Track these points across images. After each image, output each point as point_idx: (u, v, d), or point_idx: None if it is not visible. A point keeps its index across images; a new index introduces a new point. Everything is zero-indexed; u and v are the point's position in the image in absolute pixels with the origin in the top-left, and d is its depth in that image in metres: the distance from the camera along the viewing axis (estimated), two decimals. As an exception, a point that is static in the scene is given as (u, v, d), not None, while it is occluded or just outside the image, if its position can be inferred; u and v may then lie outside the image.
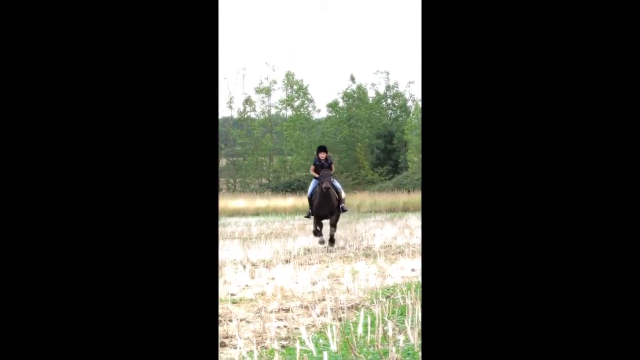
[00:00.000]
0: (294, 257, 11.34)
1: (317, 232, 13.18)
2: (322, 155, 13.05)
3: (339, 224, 14.06)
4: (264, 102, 50.55)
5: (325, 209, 12.97)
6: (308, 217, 13.90)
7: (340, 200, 13.24)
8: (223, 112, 50.20)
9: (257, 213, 32.24)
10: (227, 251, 12.28)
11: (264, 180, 48.72)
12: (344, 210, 13.40)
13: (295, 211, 31.76)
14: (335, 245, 13.31)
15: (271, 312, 5.88)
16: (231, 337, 4.84)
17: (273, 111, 50.62)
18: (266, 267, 9.61)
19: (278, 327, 5.13)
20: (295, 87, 49.46)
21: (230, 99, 50.19)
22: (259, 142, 49.00)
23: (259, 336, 4.85)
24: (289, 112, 49.94)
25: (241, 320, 5.49)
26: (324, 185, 12.74)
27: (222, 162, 49.86)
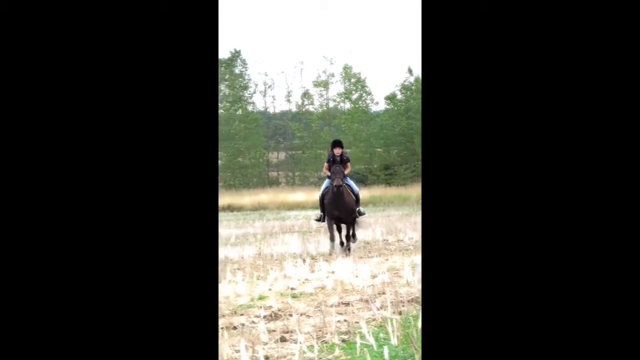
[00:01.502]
0: (354, 250, 11.33)
1: (334, 238, 11.56)
2: (337, 151, 11.47)
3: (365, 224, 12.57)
4: (322, 95, 50.55)
5: (338, 208, 11.24)
6: (319, 220, 11.89)
7: (357, 202, 11.53)
8: (281, 105, 50.42)
9: (316, 206, 32.28)
10: (287, 245, 12.35)
11: (323, 174, 48.83)
12: (360, 214, 11.63)
13: (354, 204, 31.71)
14: (395, 238, 13.05)
15: (331, 306, 5.87)
16: (291, 331, 4.85)
17: (331, 104, 50.59)
18: (326, 260, 9.62)
19: (338, 321, 5.12)
20: (353, 80, 49.36)
21: (289, 92, 50.33)
22: (317, 136, 49.04)
23: (319, 330, 4.85)
24: (347, 105, 49.86)
25: (301, 314, 5.50)
26: (335, 184, 11.00)
27: (281, 155, 50.10)
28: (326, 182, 11.65)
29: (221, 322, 5.17)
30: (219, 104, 47.43)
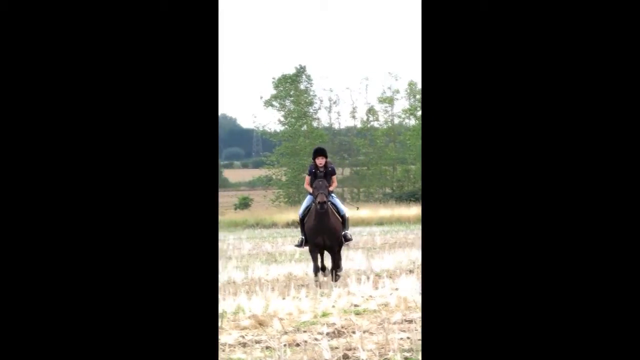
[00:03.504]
0: (418, 267, 11.25)
1: (318, 269, 9.66)
2: (320, 161, 9.59)
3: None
4: (387, 111, 50.46)
5: (322, 232, 9.38)
6: (300, 246, 9.95)
7: (343, 225, 9.71)
8: (346, 121, 50.46)
9: (380, 223, 32.25)
10: (351, 261, 12.32)
11: (388, 190, 48.59)
12: (347, 240, 9.77)
13: (419, 220, 31.51)
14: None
15: (394, 323, 5.85)
16: (354, 349, 4.84)
17: (396, 120, 50.47)
18: (390, 277, 9.58)
19: (401, 338, 5.10)
20: (417, 96, 49.16)
21: (354, 108, 50.40)
22: (382, 152, 48.93)
23: (382, 348, 4.84)
24: (412, 122, 49.66)
25: (364, 331, 5.49)
26: (318, 200, 9.16)
27: (346, 171, 50.13)
28: (307, 200, 9.95)
29: (284, 338, 5.20)
30: (284, 120, 47.81)
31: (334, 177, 9.75)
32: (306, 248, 9.89)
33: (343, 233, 9.66)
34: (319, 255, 9.69)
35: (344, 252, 13.99)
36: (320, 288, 8.87)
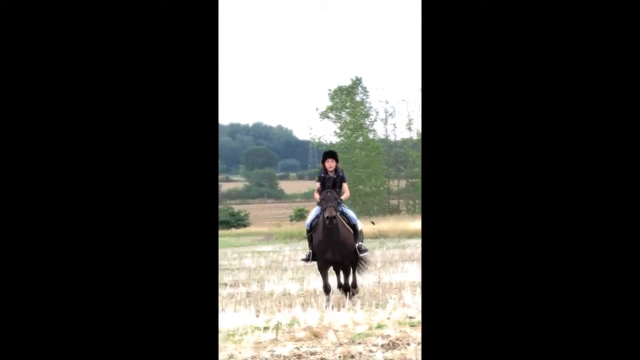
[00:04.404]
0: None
1: (329, 288, 8.69)
2: (330, 165, 8.60)
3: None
4: (443, 122, 50.28)
5: (332, 248, 8.32)
6: (307, 260, 8.76)
7: (356, 236, 8.56)
8: (402, 133, 50.37)
9: (437, 234, 32.09)
10: (406, 273, 12.28)
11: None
12: (362, 252, 8.63)
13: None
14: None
15: (449, 336, 5.82)
16: (408, 361, 4.84)
17: (452, 132, 50.23)
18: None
19: (456, 352, 5.06)
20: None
21: (410, 120, 50.28)
22: (438, 163, 48.73)
23: (437, 361, 4.81)
24: (468, 132, 49.41)
25: (419, 343, 5.47)
26: (327, 214, 8.06)
27: (402, 183, 49.96)
28: (315, 210, 8.72)
29: (339, 350, 5.21)
30: (340, 131, 47.88)
31: (345, 185, 8.73)
32: (314, 263, 8.86)
33: (357, 245, 8.56)
34: (328, 273, 8.74)
35: (399, 265, 13.95)
36: (331, 309, 7.90)
